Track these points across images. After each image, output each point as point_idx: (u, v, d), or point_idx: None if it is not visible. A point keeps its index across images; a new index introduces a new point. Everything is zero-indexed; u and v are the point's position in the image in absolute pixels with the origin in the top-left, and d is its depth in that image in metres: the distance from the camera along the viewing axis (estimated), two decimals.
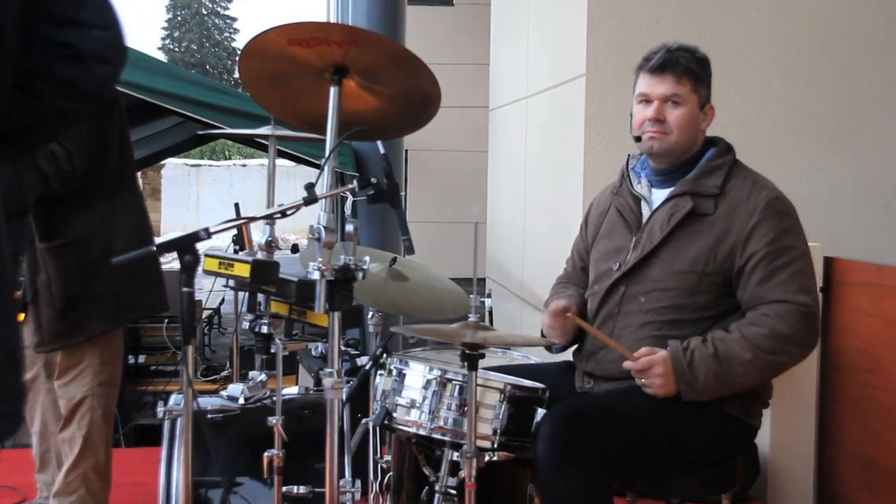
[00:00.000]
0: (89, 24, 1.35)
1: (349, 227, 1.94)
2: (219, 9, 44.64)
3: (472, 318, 2.12)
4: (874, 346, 2.98)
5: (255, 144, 7.30)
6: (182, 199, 21.17)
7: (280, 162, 3.30)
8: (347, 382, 2.47)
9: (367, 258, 1.96)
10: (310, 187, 1.92)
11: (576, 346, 2.54)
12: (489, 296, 5.14)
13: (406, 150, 8.89)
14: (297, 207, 1.94)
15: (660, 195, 2.45)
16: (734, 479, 2.38)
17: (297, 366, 4.57)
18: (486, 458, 2.03)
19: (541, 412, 2.14)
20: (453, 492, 2.08)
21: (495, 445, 2.08)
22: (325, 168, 2.00)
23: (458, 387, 2.12)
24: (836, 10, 3.86)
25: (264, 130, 2.83)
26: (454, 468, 2.08)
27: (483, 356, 2.01)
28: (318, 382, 3.43)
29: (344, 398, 2.36)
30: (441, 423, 2.11)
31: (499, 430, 2.09)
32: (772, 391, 2.45)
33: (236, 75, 35.20)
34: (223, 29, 44.62)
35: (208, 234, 1.80)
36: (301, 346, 4.68)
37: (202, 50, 43.57)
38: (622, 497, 2.50)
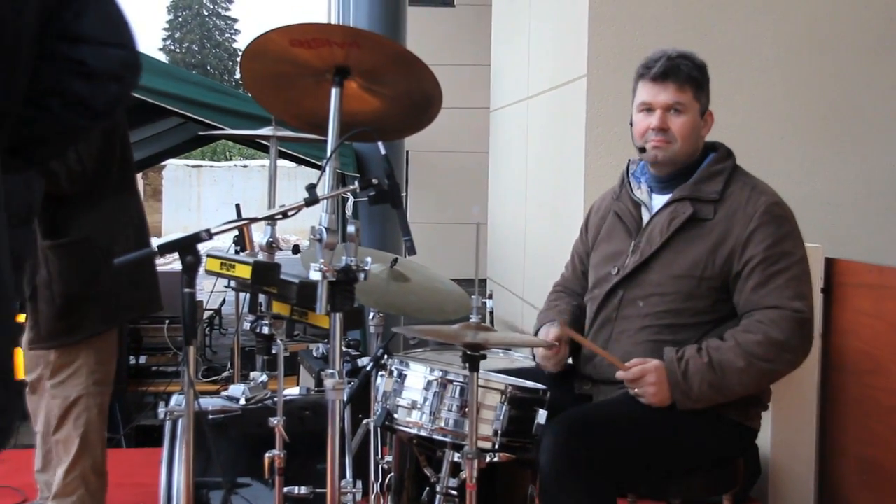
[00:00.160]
0: (104, 43, 1.36)
1: (350, 228, 1.94)
2: (220, 10, 44.68)
3: (474, 318, 2.12)
4: (875, 347, 2.98)
5: (255, 145, 7.30)
6: (183, 199, 21.18)
7: (281, 163, 3.30)
8: (348, 383, 2.47)
9: (368, 259, 1.96)
10: (311, 188, 1.92)
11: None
12: (490, 297, 5.15)
13: (407, 151, 8.89)
14: (299, 208, 1.94)
15: (660, 200, 2.46)
16: (735, 480, 2.38)
17: (298, 367, 4.57)
18: (487, 459, 2.03)
19: (542, 413, 2.14)
20: (454, 493, 2.08)
21: (496, 446, 2.08)
22: (327, 169, 2.00)
23: (458, 388, 2.12)
24: (836, 12, 3.86)
25: (266, 131, 2.84)
26: (455, 469, 2.08)
27: (484, 357, 2.01)
28: (319, 383, 3.43)
29: (345, 399, 2.36)
30: (442, 424, 2.11)
31: (500, 432, 2.09)
32: (770, 394, 2.46)
33: (237, 76, 35.26)
34: (224, 30, 44.64)
35: (210, 234, 1.80)
36: (302, 346, 4.68)
37: (203, 51, 43.59)
38: (623, 497, 2.50)
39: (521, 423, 2.12)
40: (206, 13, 44.33)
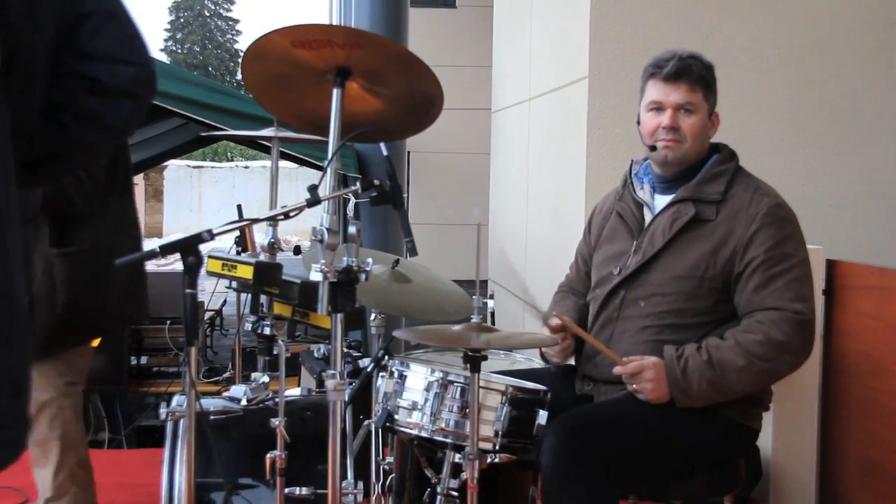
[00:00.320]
0: (119, 60, 1.37)
1: (352, 229, 1.94)
2: (221, 11, 44.71)
3: (475, 319, 2.12)
4: (877, 348, 2.98)
5: (256, 146, 7.31)
6: (184, 200, 21.20)
7: (282, 163, 3.30)
8: (350, 384, 2.47)
9: (369, 260, 1.96)
10: (312, 189, 1.92)
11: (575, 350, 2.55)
12: (492, 297, 5.15)
13: (409, 152, 8.90)
14: (300, 209, 1.94)
15: (662, 201, 2.46)
16: (736, 481, 2.38)
17: (299, 367, 4.57)
18: (488, 460, 2.03)
19: (542, 414, 2.14)
20: (455, 493, 2.08)
21: (497, 447, 2.08)
22: (328, 170, 2.00)
23: (459, 389, 2.12)
24: (838, 13, 3.86)
25: (267, 132, 2.84)
26: (456, 470, 2.08)
27: (485, 358, 2.01)
28: (320, 384, 3.43)
29: (346, 400, 2.36)
30: (443, 425, 2.11)
31: (500, 432, 2.09)
32: (772, 395, 2.46)
33: (238, 77, 35.27)
34: (226, 31, 44.68)
35: (212, 235, 1.80)
36: (303, 347, 4.67)
37: (205, 52, 43.63)
38: (624, 498, 2.50)
39: (521, 423, 2.12)
40: (207, 14, 44.36)
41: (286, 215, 1.98)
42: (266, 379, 2.74)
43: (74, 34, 1.34)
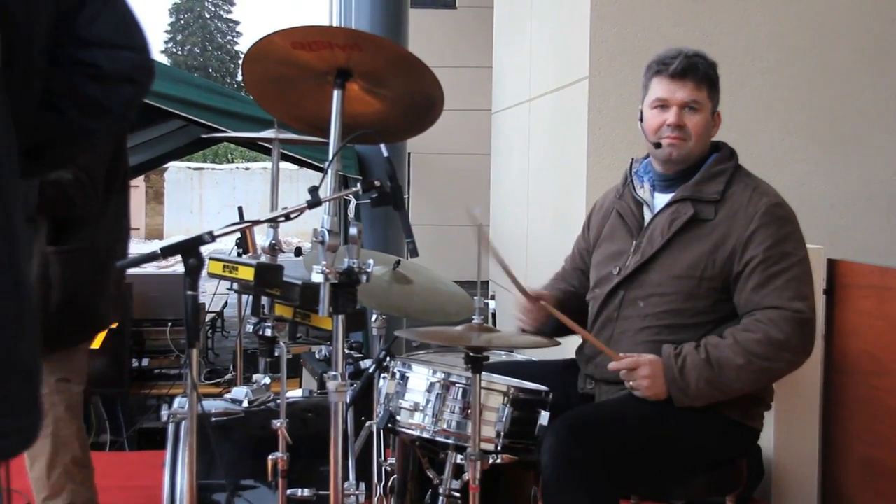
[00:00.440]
0: (117, 45, 1.37)
1: (353, 230, 1.94)
2: (221, 12, 44.73)
3: (476, 320, 2.12)
4: (878, 348, 2.98)
5: (257, 147, 7.31)
6: (185, 202, 21.21)
7: (282, 165, 3.30)
8: (351, 385, 2.47)
9: (370, 261, 1.96)
10: (313, 190, 1.92)
11: (578, 348, 2.55)
12: (493, 298, 5.14)
13: (409, 153, 8.90)
14: (301, 211, 1.94)
15: (662, 199, 2.45)
16: (738, 481, 2.38)
17: (300, 369, 4.57)
18: (490, 461, 2.03)
19: (544, 415, 2.14)
20: (457, 494, 2.08)
21: (499, 448, 2.08)
22: (329, 171, 2.01)
23: (461, 389, 2.12)
24: (837, 14, 3.86)
25: (268, 134, 2.83)
26: (458, 471, 2.08)
27: (487, 359, 2.01)
28: (321, 385, 3.43)
29: (348, 401, 2.36)
30: (444, 426, 2.11)
31: (502, 433, 2.09)
32: (773, 394, 2.45)
33: (239, 78, 35.26)
34: (226, 32, 44.69)
35: (213, 237, 1.80)
36: (305, 349, 4.68)
37: (205, 53, 43.64)
38: (626, 499, 2.50)
39: (523, 424, 2.12)
40: (207, 16, 44.38)
41: (287, 217, 1.98)
42: (267, 380, 2.73)
43: (72, 20, 1.34)
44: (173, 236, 15.82)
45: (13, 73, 1.25)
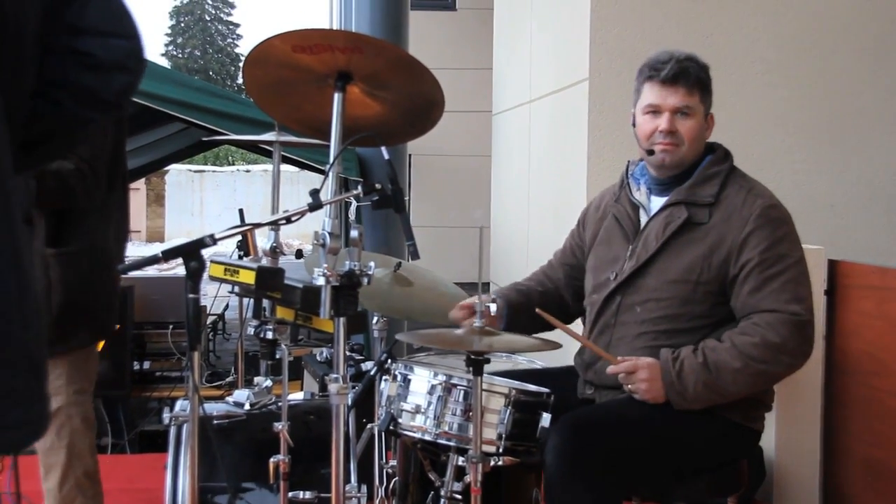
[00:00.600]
0: (109, 34, 1.37)
1: (354, 233, 1.95)
2: (222, 15, 44.75)
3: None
4: (879, 348, 2.97)
5: (258, 150, 7.30)
6: (186, 204, 21.23)
7: (283, 167, 3.30)
8: (352, 388, 2.47)
9: (371, 263, 1.96)
10: (314, 193, 1.92)
11: (576, 353, 2.55)
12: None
13: (410, 155, 8.89)
14: (303, 213, 1.95)
15: (658, 202, 2.45)
16: (739, 482, 2.38)
17: (302, 371, 4.58)
18: (492, 463, 2.04)
19: (546, 417, 2.14)
20: (459, 497, 2.08)
21: (500, 450, 2.09)
22: (330, 174, 2.01)
23: (462, 392, 2.12)
24: (837, 14, 3.86)
25: (268, 136, 2.84)
26: (459, 473, 2.08)
27: (488, 361, 2.01)
28: (323, 388, 3.43)
29: (349, 403, 2.36)
30: (446, 429, 2.11)
31: (504, 435, 2.09)
32: (773, 395, 2.45)
33: (239, 81, 35.29)
34: (226, 35, 44.71)
35: (214, 240, 1.81)
36: (306, 351, 4.67)
37: (205, 56, 43.65)
38: (627, 500, 2.50)
39: (525, 426, 2.12)
40: (208, 18, 44.39)
41: (288, 220, 1.98)
42: (269, 383, 2.74)
43: (63, 9, 1.33)
44: (174, 239, 15.82)
45: (4, 64, 1.24)
